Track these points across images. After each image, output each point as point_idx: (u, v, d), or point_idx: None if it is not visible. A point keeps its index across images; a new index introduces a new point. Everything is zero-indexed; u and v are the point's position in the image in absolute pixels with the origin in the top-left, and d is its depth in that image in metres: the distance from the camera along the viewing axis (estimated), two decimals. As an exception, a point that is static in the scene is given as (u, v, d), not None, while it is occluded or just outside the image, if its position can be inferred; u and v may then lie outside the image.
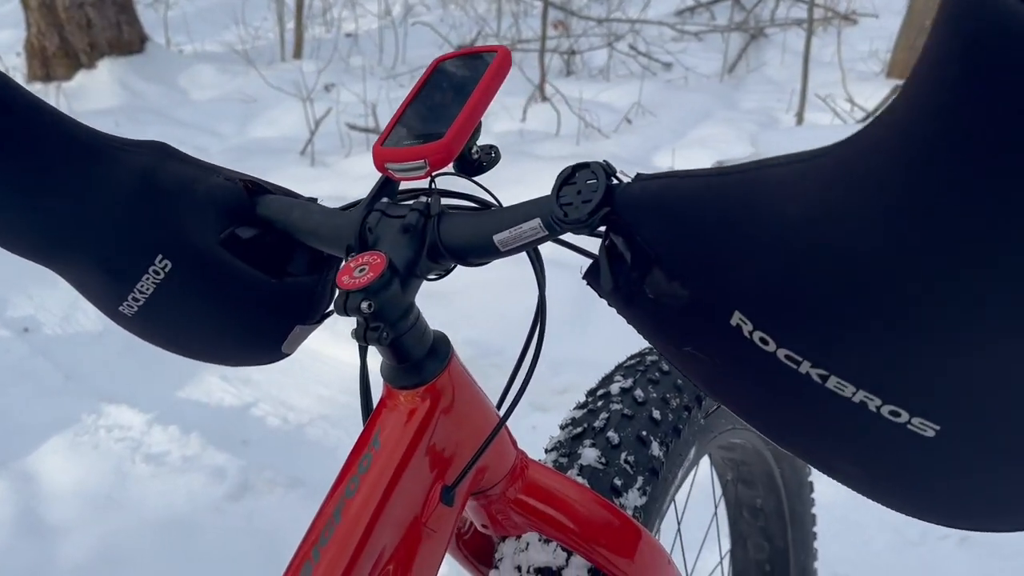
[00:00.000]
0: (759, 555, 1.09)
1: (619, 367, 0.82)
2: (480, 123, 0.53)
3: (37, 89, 4.98)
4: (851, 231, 0.32)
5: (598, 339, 2.37)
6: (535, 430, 2.11)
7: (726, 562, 1.11)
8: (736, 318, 0.38)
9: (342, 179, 3.81)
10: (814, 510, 1.08)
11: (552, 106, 4.13)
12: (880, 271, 0.32)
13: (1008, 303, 0.29)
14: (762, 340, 0.37)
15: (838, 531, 1.73)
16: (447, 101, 0.52)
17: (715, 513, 0.99)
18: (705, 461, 1.04)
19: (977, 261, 0.29)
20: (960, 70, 0.26)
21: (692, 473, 0.95)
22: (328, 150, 4.19)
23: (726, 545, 1.09)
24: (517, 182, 3.34)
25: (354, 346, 0.49)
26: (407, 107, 0.54)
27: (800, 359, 0.36)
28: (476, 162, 0.53)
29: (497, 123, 4.34)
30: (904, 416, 0.35)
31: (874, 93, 4.17)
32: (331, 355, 2.43)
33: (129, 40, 5.38)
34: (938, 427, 0.34)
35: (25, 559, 1.81)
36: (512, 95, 4.66)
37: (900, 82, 4.21)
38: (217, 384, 2.45)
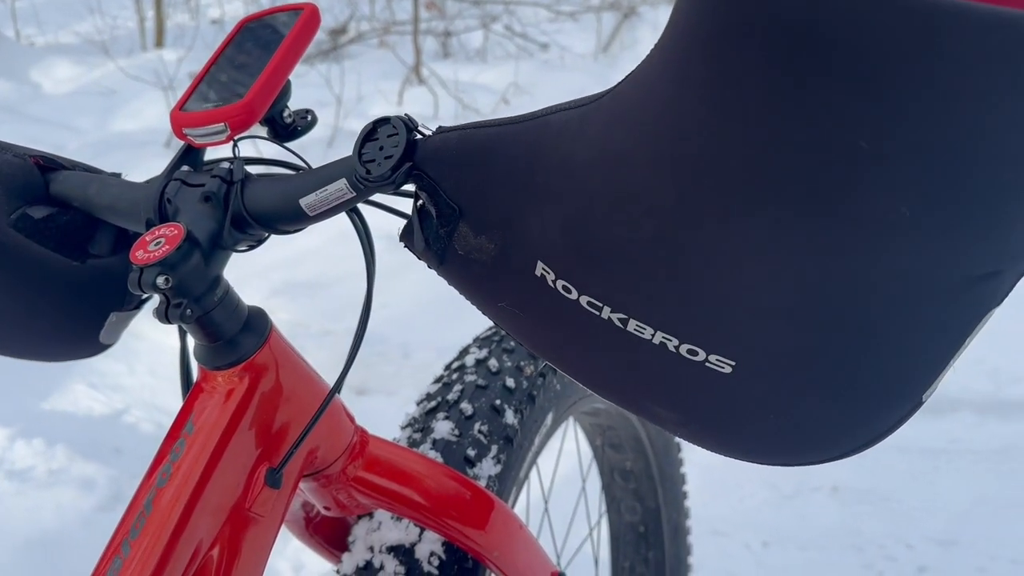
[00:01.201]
0: (632, 517, 1.10)
1: (476, 339, 0.81)
2: (289, 83, 0.50)
3: None
4: (629, 171, 0.32)
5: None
6: (422, 415, 2.10)
7: (604, 525, 1.13)
8: (540, 268, 0.37)
9: (213, 171, 3.67)
10: (683, 469, 1.10)
11: (429, 89, 4.09)
12: (655, 210, 0.31)
13: (785, 213, 0.29)
14: (564, 288, 0.37)
15: (715, 492, 1.79)
16: (251, 61, 0.49)
17: (584, 482, 1.00)
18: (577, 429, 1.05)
19: (748, 182, 0.29)
20: (698, 28, 0.27)
21: (561, 441, 0.95)
22: (197, 142, 4.03)
23: (598, 513, 1.10)
24: (395, 167, 3.30)
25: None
26: (209, 69, 0.50)
27: (601, 304, 0.36)
28: (290, 126, 0.50)
29: (373, 107, 4.27)
30: (701, 354, 0.34)
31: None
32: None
33: (-29, 32, 5.01)
34: (733, 363, 0.34)
35: None
36: (388, 78, 4.60)
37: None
38: (84, 392, 2.32)
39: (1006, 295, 0.32)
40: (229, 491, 0.46)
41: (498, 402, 0.71)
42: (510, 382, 0.73)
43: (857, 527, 1.70)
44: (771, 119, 0.26)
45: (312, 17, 0.50)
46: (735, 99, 0.27)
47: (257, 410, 0.47)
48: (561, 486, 1.01)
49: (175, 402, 2.21)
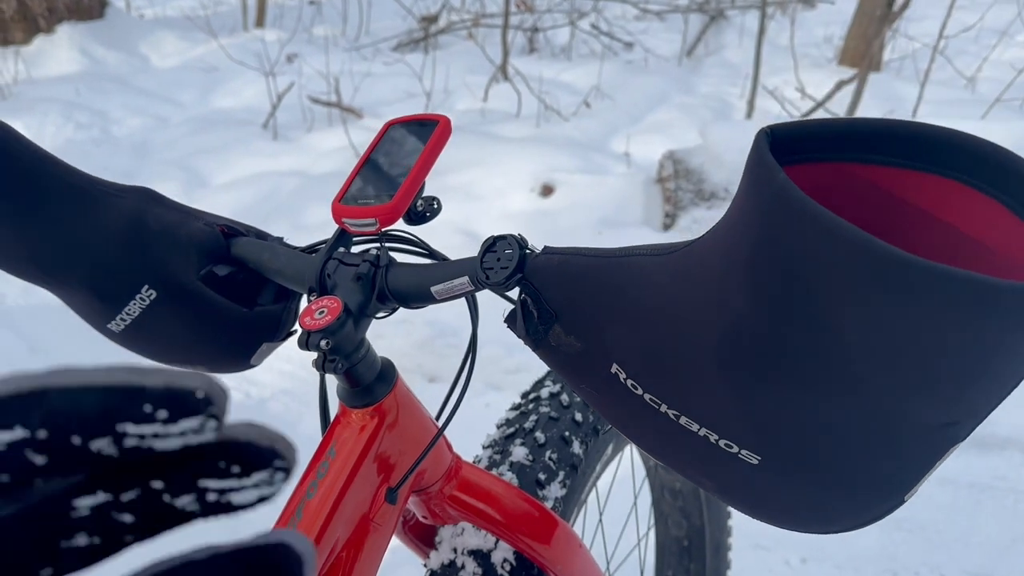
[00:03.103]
0: (678, 532, 1.21)
1: (550, 372, 0.93)
2: (424, 182, 0.62)
3: (-6, 54, 4.91)
4: (683, 313, 0.43)
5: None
6: (489, 407, 2.23)
7: (651, 537, 1.24)
8: (614, 368, 0.49)
9: (305, 154, 3.85)
10: (728, 493, 1.21)
11: (513, 87, 4.20)
12: (702, 345, 0.43)
13: (788, 374, 0.40)
14: (633, 386, 0.48)
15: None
16: (395, 164, 0.62)
17: (635, 499, 1.11)
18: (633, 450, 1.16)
19: (763, 344, 0.40)
20: (758, 222, 0.37)
21: (617, 462, 1.07)
22: (290, 124, 4.22)
23: (647, 525, 1.22)
24: (477, 164, 3.42)
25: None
26: (361, 167, 0.63)
27: (660, 402, 0.47)
28: (420, 213, 0.63)
29: (460, 101, 4.40)
30: (735, 448, 0.46)
31: (825, 80, 4.30)
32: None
33: (89, 5, 5.31)
34: (759, 457, 0.45)
35: None
36: (474, 72, 4.72)
37: (850, 70, 4.36)
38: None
39: (966, 436, 0.43)
40: (359, 505, 0.59)
41: (567, 433, 0.83)
42: (579, 416, 0.85)
43: (894, 552, 1.77)
44: (792, 318, 0.38)
45: (446, 129, 0.63)
46: (764, 291, 0.38)
47: (383, 442, 0.61)
48: (615, 498, 1.13)
49: (263, 375, 2.39)
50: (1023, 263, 0.39)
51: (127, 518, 0.20)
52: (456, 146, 3.51)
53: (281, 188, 3.50)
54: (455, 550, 0.74)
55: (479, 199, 3.25)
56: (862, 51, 4.48)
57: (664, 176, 3.09)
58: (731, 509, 1.26)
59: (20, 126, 4.11)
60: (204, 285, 0.65)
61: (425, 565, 0.77)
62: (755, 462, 0.46)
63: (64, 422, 0.19)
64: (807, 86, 4.17)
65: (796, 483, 0.46)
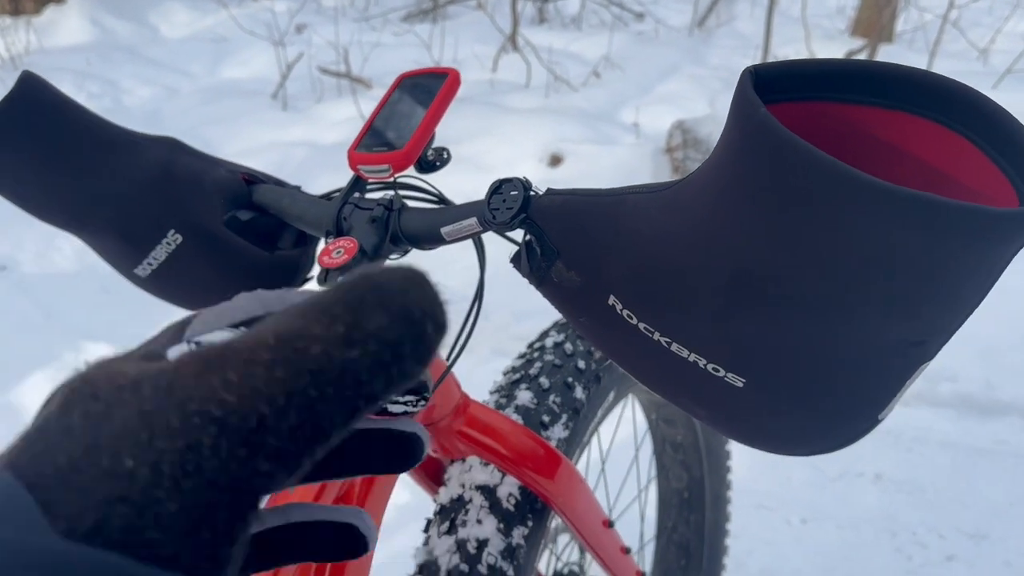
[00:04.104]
0: (679, 484, 1.25)
1: (555, 324, 0.97)
2: (434, 132, 0.66)
3: (6, 24, 4.93)
4: (676, 245, 0.47)
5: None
6: (497, 373, 2.27)
7: (652, 489, 1.28)
8: (611, 300, 0.52)
9: (314, 125, 3.88)
10: (728, 446, 1.25)
11: (522, 57, 4.20)
12: (691, 274, 0.46)
13: (771, 298, 0.44)
14: (628, 316, 0.52)
15: (764, 470, 1.92)
16: (408, 114, 0.65)
17: (636, 452, 1.15)
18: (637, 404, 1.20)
19: (749, 271, 0.43)
20: (741, 156, 0.41)
21: (620, 412, 1.11)
22: (300, 94, 4.24)
23: (648, 478, 1.26)
24: (486, 134, 3.44)
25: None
26: (375, 117, 0.66)
27: (653, 330, 0.51)
28: (431, 163, 0.66)
29: (469, 72, 4.41)
30: (722, 372, 0.49)
31: (836, 51, 4.29)
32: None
33: (98, -26, 5.31)
34: (744, 380, 0.49)
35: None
36: (483, 42, 4.72)
37: (862, 41, 4.34)
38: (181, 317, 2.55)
39: (934, 355, 0.46)
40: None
41: (570, 379, 0.87)
42: (581, 364, 0.88)
43: (893, 513, 1.81)
44: (771, 243, 0.41)
45: (455, 81, 0.66)
46: (745, 220, 0.41)
47: (394, 376, 0.64)
48: (618, 452, 1.17)
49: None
50: (987, 195, 0.42)
51: None
52: (465, 116, 3.52)
53: (290, 158, 3.53)
54: (463, 485, 0.78)
55: (488, 169, 3.27)
56: (874, 22, 4.46)
57: (673, 146, 3.10)
58: (730, 464, 1.30)
59: (33, 96, 4.13)
60: (228, 229, 0.68)
61: (435, 500, 0.81)
62: (740, 384, 0.49)
63: None
64: (818, 56, 4.15)
65: (778, 405, 0.50)
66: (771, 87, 0.43)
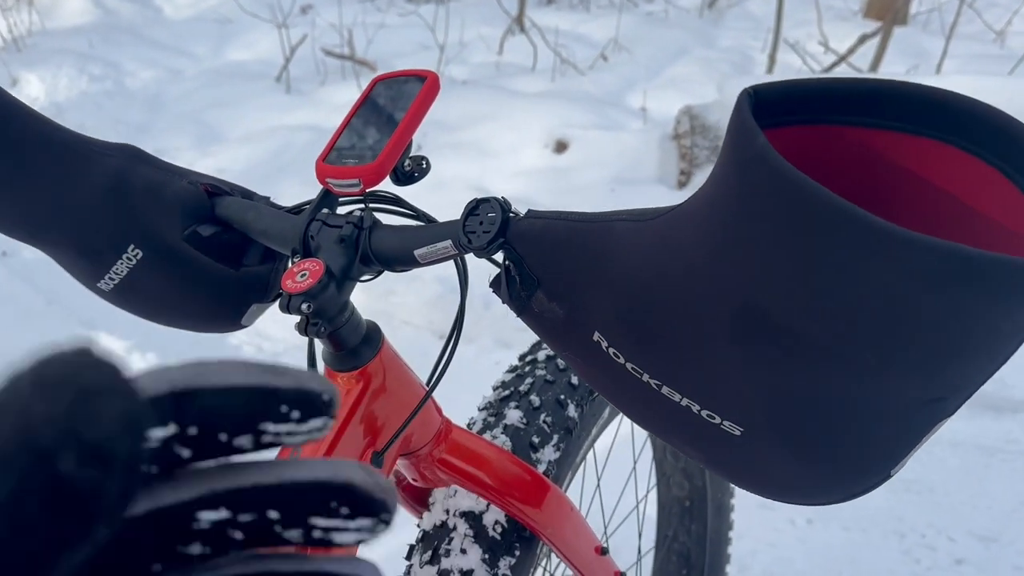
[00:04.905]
0: (680, 492, 1.21)
1: (548, 334, 0.92)
2: (411, 141, 0.61)
3: (8, 5, 4.88)
4: (664, 282, 0.42)
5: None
6: (498, 365, 2.23)
7: (653, 498, 1.24)
8: (596, 335, 0.48)
9: (318, 108, 3.82)
10: (731, 455, 1.20)
11: (529, 39, 4.13)
12: (683, 314, 0.42)
13: (768, 343, 0.39)
14: (615, 354, 0.47)
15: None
16: (381, 122, 0.60)
17: (635, 461, 1.11)
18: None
19: (743, 313, 0.39)
20: (736, 189, 0.36)
21: (617, 423, 1.06)
22: (304, 77, 4.18)
23: (648, 486, 1.22)
24: (491, 119, 3.38)
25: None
26: (346, 125, 0.62)
27: (642, 371, 0.46)
28: (408, 173, 0.61)
29: (474, 54, 4.34)
30: (717, 419, 0.45)
31: (849, 34, 4.19)
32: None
33: (100, -46, 5.25)
34: (742, 429, 0.44)
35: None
36: (490, 24, 4.65)
37: (876, 23, 4.25)
38: (193, 313, 2.53)
39: (953, 412, 0.41)
40: (344, 469, 0.59)
41: (562, 397, 0.82)
42: (574, 380, 0.84)
43: (902, 514, 1.77)
44: (771, 285, 0.36)
45: (434, 85, 0.61)
46: (745, 260, 0.36)
47: (367, 406, 0.60)
48: (615, 458, 1.12)
49: (276, 330, 2.41)
50: (1020, 232, 0.37)
51: (238, 535, 0.22)
52: (469, 101, 3.46)
53: (294, 142, 3.48)
54: (447, 511, 0.74)
55: (492, 155, 3.21)
56: (888, 3, 4.36)
57: (680, 132, 3.04)
58: (734, 471, 1.26)
59: (34, 78, 4.10)
60: (188, 245, 0.64)
61: (418, 525, 0.77)
62: (737, 433, 0.45)
63: (213, 420, 0.22)
64: (831, 39, 4.07)
65: (779, 455, 0.45)
66: (774, 109, 0.38)
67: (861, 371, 0.38)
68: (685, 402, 0.45)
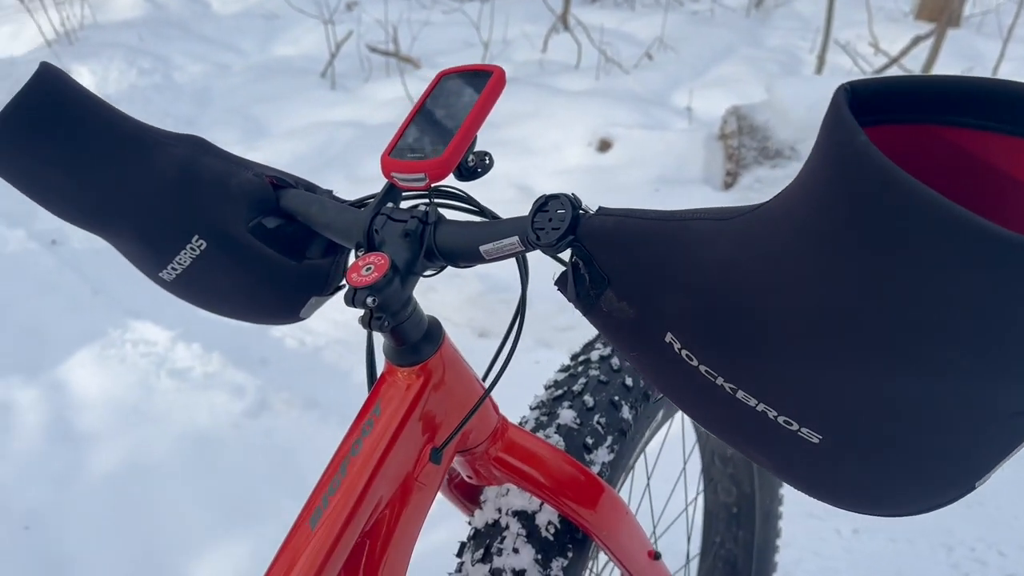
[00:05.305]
0: (727, 498, 1.19)
1: (601, 336, 0.91)
2: (475, 137, 0.60)
3: (61, -1, 4.98)
4: (748, 284, 0.41)
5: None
6: (538, 364, 2.22)
7: (699, 503, 1.22)
8: (668, 336, 0.47)
9: (362, 104, 3.84)
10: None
11: (573, 37, 4.11)
12: (765, 316, 0.40)
13: (860, 348, 0.38)
14: (688, 356, 0.46)
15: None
16: (447, 117, 0.60)
17: (684, 465, 1.10)
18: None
19: (831, 315, 0.37)
20: (833, 187, 0.34)
21: (667, 427, 1.05)
22: (348, 73, 4.21)
23: (696, 490, 1.20)
24: (534, 117, 3.38)
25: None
26: (412, 120, 0.61)
27: (716, 374, 0.45)
28: (471, 169, 0.60)
29: (518, 52, 4.33)
30: (795, 426, 0.43)
31: (900, 36, 4.11)
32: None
33: (152, -50, 5.33)
34: (821, 436, 0.43)
35: (58, 464, 1.95)
36: (534, 22, 4.64)
37: (928, 25, 4.16)
38: (238, 304, 2.56)
39: None
40: (403, 464, 0.58)
41: (617, 398, 0.81)
42: (629, 381, 0.83)
43: (951, 527, 1.73)
44: (863, 288, 0.35)
45: (500, 80, 0.60)
46: (837, 261, 0.35)
47: (428, 402, 0.59)
48: (662, 462, 1.11)
49: (318, 323, 2.42)
50: None
51: None
52: (513, 98, 3.45)
53: (338, 138, 3.50)
54: (499, 510, 0.74)
55: (535, 153, 3.20)
56: (941, 5, 4.26)
57: (727, 132, 3.00)
58: (783, 477, 1.24)
59: (86, 71, 4.18)
60: (253, 237, 0.64)
61: (469, 523, 0.76)
62: (815, 441, 0.43)
63: None
64: (881, 41, 3.99)
65: (860, 465, 0.44)
66: (870, 106, 0.36)
67: (954, 379, 0.36)
68: (761, 407, 0.44)
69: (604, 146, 3.19)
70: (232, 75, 4.38)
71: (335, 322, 2.45)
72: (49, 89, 0.60)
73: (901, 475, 0.43)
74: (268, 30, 4.96)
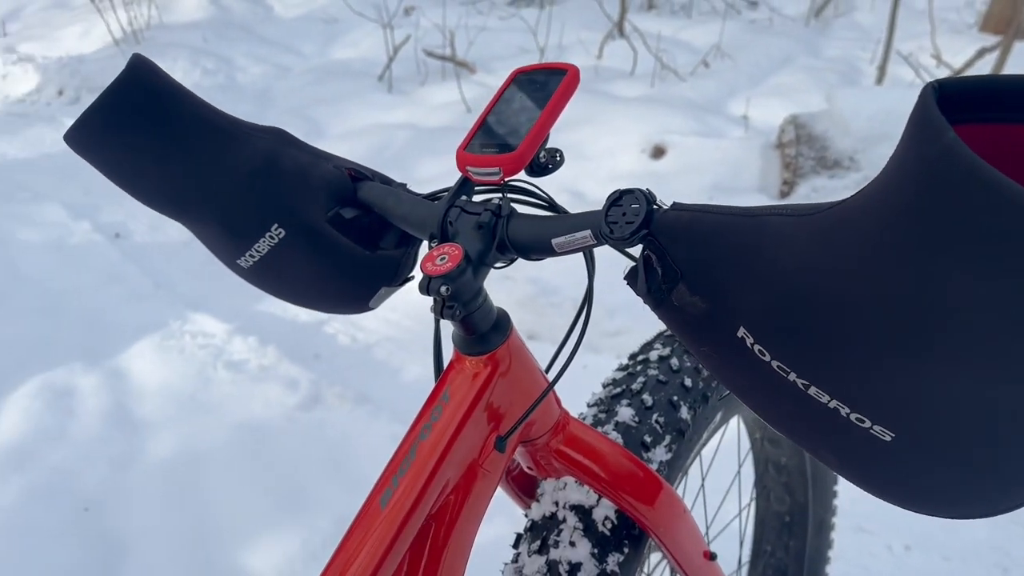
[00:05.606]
0: (780, 507, 1.19)
1: (660, 335, 0.91)
2: (548, 134, 0.61)
3: None
4: (827, 280, 0.41)
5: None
6: (586, 369, 2.22)
7: (751, 510, 1.22)
8: (741, 331, 0.47)
9: (417, 107, 3.89)
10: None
11: (629, 44, 4.11)
12: (843, 312, 0.41)
13: (942, 346, 0.38)
14: (760, 351, 0.46)
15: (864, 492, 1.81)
16: (521, 113, 0.61)
17: (739, 471, 1.09)
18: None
19: (915, 314, 0.38)
20: (920, 184, 0.35)
21: (722, 433, 1.05)
22: (405, 76, 4.26)
23: (748, 497, 1.19)
24: (588, 122, 3.38)
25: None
26: (487, 115, 0.63)
27: (788, 370, 0.45)
28: (543, 165, 0.62)
29: (573, 58, 4.34)
30: (867, 423, 0.44)
31: (964, 48, 4.03)
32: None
33: (218, -47, 5.47)
34: (893, 434, 0.43)
35: (117, 449, 2.01)
36: (590, 28, 4.64)
37: (993, 37, 4.06)
38: (294, 300, 2.61)
39: None
40: (469, 451, 0.60)
41: (675, 398, 0.81)
42: (688, 381, 0.83)
43: (1007, 547, 1.69)
44: (948, 287, 0.35)
45: (574, 78, 0.61)
46: (921, 259, 0.35)
47: (494, 391, 0.61)
48: (716, 469, 1.11)
49: (370, 321, 2.45)
50: None
51: None
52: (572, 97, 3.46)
53: (393, 140, 3.55)
54: (557, 503, 0.75)
55: (588, 158, 3.21)
56: (1008, 16, 4.16)
57: (784, 141, 2.97)
58: (837, 488, 1.22)
59: (152, 70, 4.30)
60: (331, 226, 0.66)
61: (526, 515, 0.77)
62: (888, 439, 0.43)
63: None
64: (944, 53, 3.91)
65: (933, 464, 0.44)
66: (958, 105, 0.37)
67: None
68: (833, 404, 0.44)
69: (658, 153, 3.18)
70: (292, 77, 4.47)
71: (386, 320, 2.49)
72: (142, 80, 0.63)
73: (977, 476, 0.43)
74: (328, 33, 5.05)
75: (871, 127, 2.75)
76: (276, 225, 0.67)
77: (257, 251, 0.68)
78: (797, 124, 2.94)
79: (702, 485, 0.98)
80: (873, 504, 1.80)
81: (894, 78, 3.83)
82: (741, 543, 1.10)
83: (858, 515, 1.75)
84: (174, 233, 3.02)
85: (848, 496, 1.76)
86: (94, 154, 0.66)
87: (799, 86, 3.79)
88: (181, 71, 4.31)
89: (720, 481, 1.14)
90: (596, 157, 3.21)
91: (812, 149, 2.87)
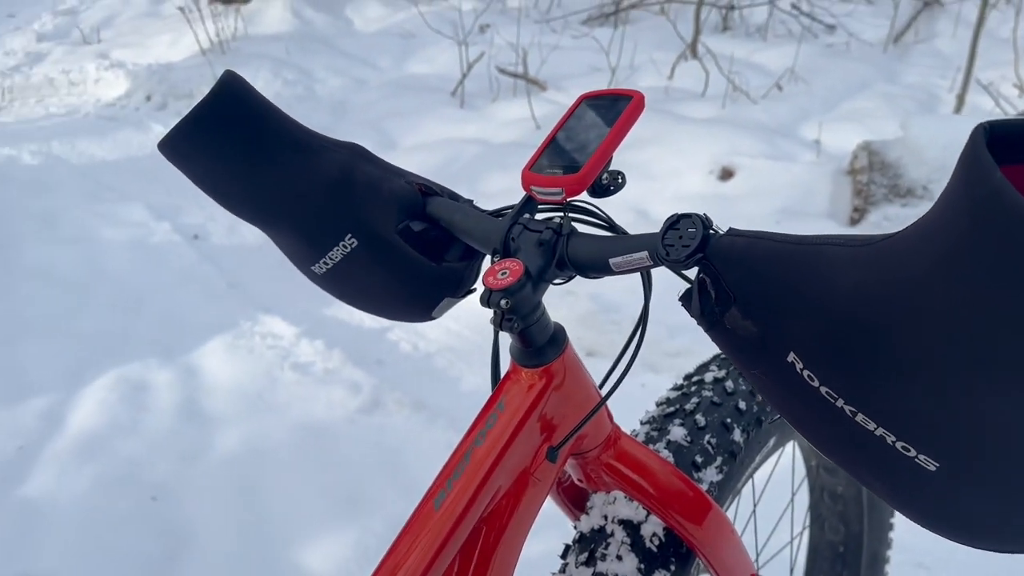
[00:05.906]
0: (834, 536, 1.17)
1: (716, 357, 0.92)
2: (611, 157, 0.64)
3: (219, 11, 5.33)
4: (878, 310, 0.42)
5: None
6: (644, 388, 2.22)
7: (804, 539, 1.21)
8: (791, 356, 0.49)
9: (488, 123, 3.94)
10: (893, 504, 1.15)
11: (702, 65, 4.10)
12: (892, 342, 0.42)
13: (988, 379, 0.39)
14: (809, 377, 0.48)
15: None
16: (586, 137, 0.64)
17: (792, 497, 1.09)
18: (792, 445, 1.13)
19: (961, 348, 0.39)
20: (968, 223, 0.36)
21: (777, 457, 1.04)
22: (477, 92, 4.33)
23: (801, 525, 1.19)
24: (656, 142, 3.38)
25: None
26: (553, 137, 0.65)
27: (837, 396, 0.47)
28: (605, 187, 0.64)
29: (644, 78, 4.35)
30: (913, 452, 0.44)
31: (1052, 77, 3.91)
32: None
33: (303, -31, 5.64)
34: (938, 464, 0.44)
35: (185, 442, 2.09)
36: (662, 49, 4.64)
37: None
38: (361, 306, 2.67)
39: None
40: (522, 459, 0.62)
41: (728, 420, 0.82)
42: (742, 404, 0.84)
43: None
44: (996, 323, 0.36)
45: (639, 105, 0.64)
46: (971, 296, 0.37)
47: (548, 402, 0.63)
48: (771, 495, 1.10)
49: (431, 330, 2.50)
50: None
51: None
52: (635, 123, 3.47)
53: (463, 155, 3.61)
54: (606, 517, 0.76)
55: (654, 178, 3.21)
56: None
57: (856, 168, 2.93)
58: (894, 520, 1.21)
59: (236, 80, 4.46)
60: (400, 238, 0.69)
61: (575, 527, 0.79)
62: (932, 468, 0.44)
63: None
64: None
65: (978, 495, 0.45)
66: (1009, 146, 0.38)
67: None
68: (879, 431, 0.45)
69: (726, 175, 3.16)
70: (368, 90, 4.58)
71: (448, 330, 2.53)
72: (233, 95, 0.68)
73: (1022, 508, 0.44)
74: (405, 48, 5.16)
75: (946, 156, 2.69)
76: (349, 235, 0.70)
77: (331, 259, 0.72)
78: (870, 151, 2.90)
79: (754, 509, 0.99)
80: (933, 538, 1.75)
81: (973, 107, 3.73)
82: (791, 571, 1.09)
83: (917, 550, 1.70)
84: (249, 237, 3.12)
85: (908, 528, 1.72)
86: (185, 162, 0.70)
87: (874, 112, 3.72)
88: (263, 81, 4.46)
89: (774, 507, 1.13)
90: (663, 177, 3.21)
91: (885, 176, 2.82)
